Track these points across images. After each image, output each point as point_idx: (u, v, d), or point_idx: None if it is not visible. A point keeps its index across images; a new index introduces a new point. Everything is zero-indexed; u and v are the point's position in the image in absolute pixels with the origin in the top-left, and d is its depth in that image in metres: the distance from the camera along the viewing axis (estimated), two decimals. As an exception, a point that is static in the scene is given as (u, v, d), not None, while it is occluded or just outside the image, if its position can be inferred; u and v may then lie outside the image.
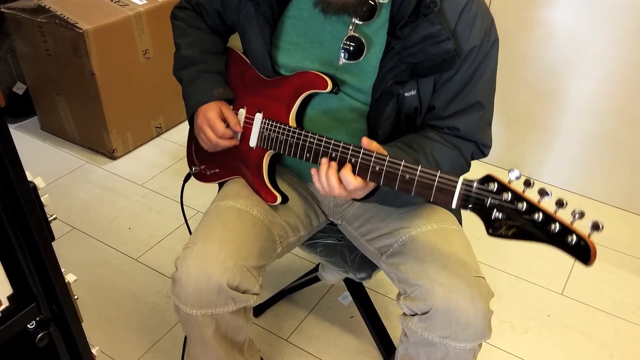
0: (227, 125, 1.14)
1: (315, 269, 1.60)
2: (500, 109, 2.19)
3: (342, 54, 1.04)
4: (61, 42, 2.13)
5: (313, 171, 0.98)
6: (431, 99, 1.06)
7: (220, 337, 1.11)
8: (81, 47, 2.07)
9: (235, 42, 1.27)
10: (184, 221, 1.40)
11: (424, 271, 1.03)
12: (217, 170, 1.25)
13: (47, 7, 2.10)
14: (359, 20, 1.02)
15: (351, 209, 1.23)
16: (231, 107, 1.18)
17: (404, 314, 1.08)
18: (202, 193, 1.19)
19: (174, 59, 1.24)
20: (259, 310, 1.64)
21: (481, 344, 1.04)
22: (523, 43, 2.03)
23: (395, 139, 1.06)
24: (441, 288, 0.99)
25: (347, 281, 1.48)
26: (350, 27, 1.03)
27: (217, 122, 1.12)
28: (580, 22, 1.90)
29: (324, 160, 0.97)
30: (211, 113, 1.13)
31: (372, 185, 0.96)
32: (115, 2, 2.20)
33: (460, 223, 1.19)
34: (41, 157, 2.35)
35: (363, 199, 1.01)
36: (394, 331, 1.55)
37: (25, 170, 0.70)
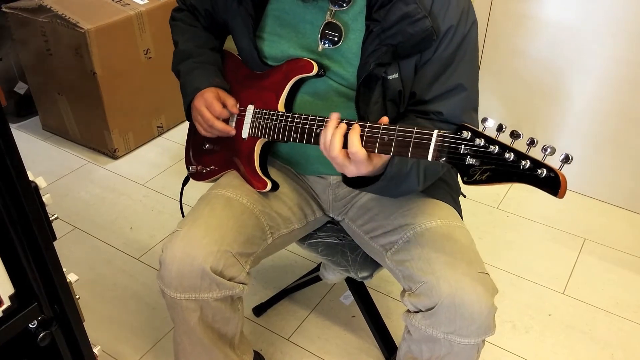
0: (224, 107, 1.16)
1: (317, 268, 1.60)
2: (502, 109, 2.19)
3: (321, 40, 1.07)
4: (63, 41, 2.13)
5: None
6: (413, 83, 1.07)
7: (206, 325, 1.11)
8: (83, 47, 2.08)
9: (231, 44, 1.31)
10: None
11: (429, 268, 1.03)
12: (213, 166, 1.27)
13: (48, 6, 2.11)
14: (336, 7, 1.05)
15: (354, 206, 1.23)
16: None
17: (408, 310, 1.08)
18: (202, 193, 1.19)
19: (173, 56, 1.28)
20: (260, 310, 1.64)
21: (485, 339, 1.04)
22: (524, 42, 2.03)
23: None
24: (447, 284, 0.99)
25: (349, 281, 1.48)
26: (328, 14, 1.06)
27: (214, 101, 1.15)
28: (582, 22, 1.90)
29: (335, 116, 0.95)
30: (209, 94, 1.16)
31: (369, 168, 0.94)
32: (116, 2, 2.20)
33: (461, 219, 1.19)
34: (43, 157, 2.36)
35: (359, 186, 1.00)
36: (396, 330, 1.55)
37: (26, 170, 0.70)
